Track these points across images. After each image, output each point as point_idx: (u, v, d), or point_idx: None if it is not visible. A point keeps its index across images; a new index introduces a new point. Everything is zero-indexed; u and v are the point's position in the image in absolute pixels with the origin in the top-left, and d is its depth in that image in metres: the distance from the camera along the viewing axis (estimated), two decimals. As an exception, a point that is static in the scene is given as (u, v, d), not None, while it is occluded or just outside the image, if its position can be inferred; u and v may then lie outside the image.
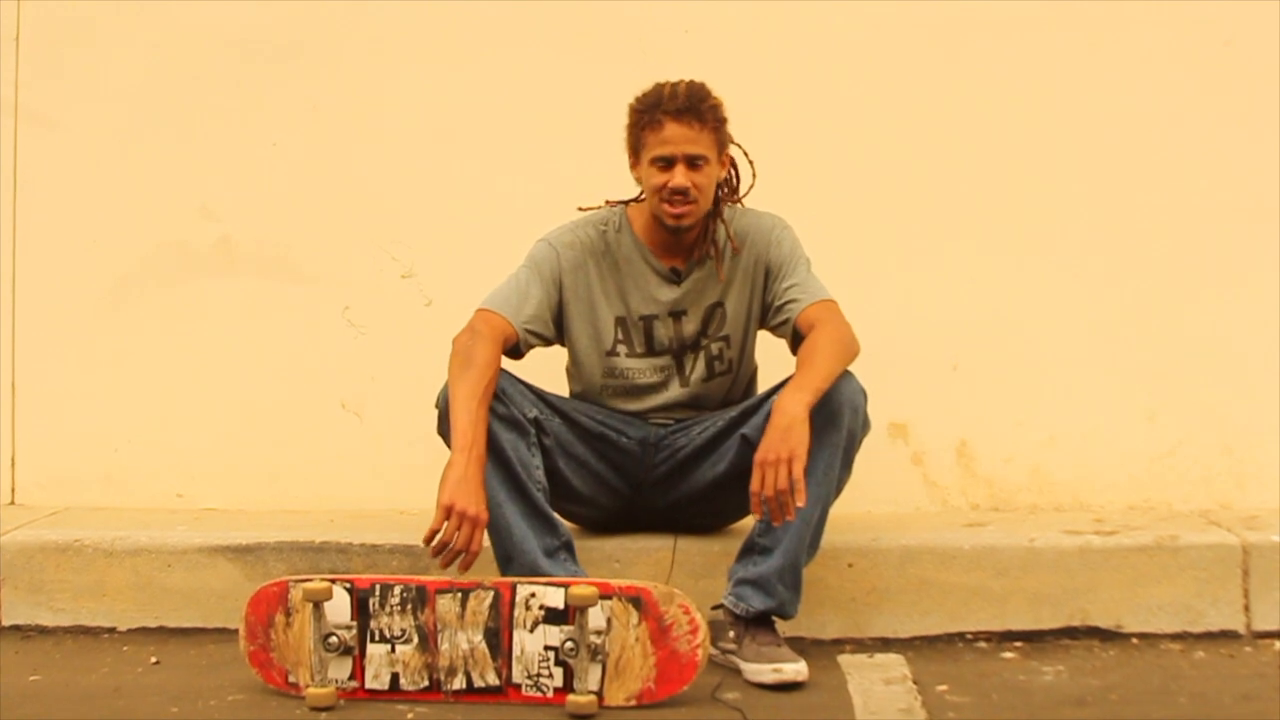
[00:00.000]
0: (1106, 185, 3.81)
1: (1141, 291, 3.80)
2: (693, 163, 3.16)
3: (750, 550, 3.11)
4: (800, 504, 2.91)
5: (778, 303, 3.25)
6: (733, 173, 3.33)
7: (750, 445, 3.13)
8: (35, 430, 3.93)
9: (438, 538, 2.94)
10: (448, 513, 2.93)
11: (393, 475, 3.85)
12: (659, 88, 3.20)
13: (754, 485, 2.92)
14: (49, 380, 3.92)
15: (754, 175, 3.32)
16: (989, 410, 3.82)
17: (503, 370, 3.16)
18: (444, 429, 3.11)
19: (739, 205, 3.34)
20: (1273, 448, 3.75)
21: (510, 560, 3.09)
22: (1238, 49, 3.79)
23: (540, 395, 3.23)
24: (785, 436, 2.91)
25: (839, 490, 3.11)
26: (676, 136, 3.14)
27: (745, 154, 3.32)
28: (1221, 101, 3.79)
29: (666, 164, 3.16)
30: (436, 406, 3.14)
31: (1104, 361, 3.81)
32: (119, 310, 3.92)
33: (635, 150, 3.23)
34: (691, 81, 3.19)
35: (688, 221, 3.20)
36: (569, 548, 3.13)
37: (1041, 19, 3.80)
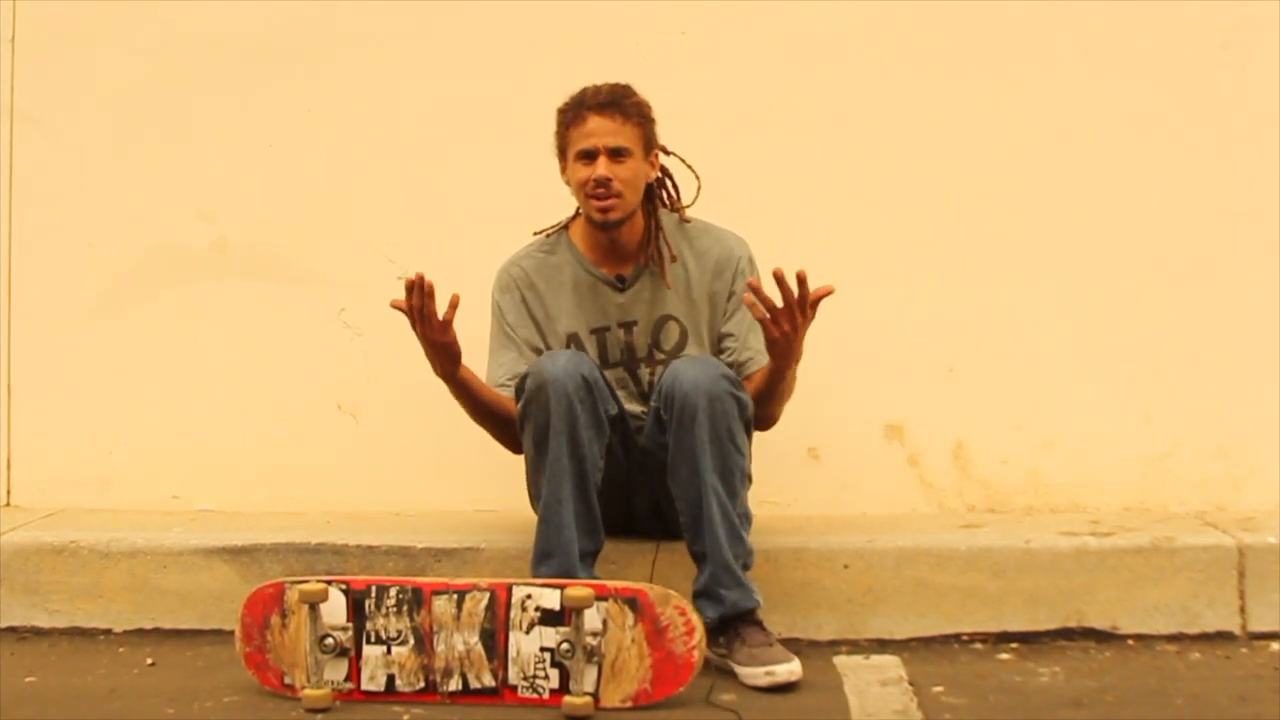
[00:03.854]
0: (1103, 187, 3.80)
1: (1138, 294, 3.80)
2: (615, 155, 3.18)
3: (695, 559, 3.08)
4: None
5: (733, 356, 3.26)
6: (669, 181, 3.34)
7: (659, 422, 3.11)
8: (31, 431, 3.92)
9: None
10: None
11: (389, 477, 3.85)
12: (583, 89, 3.24)
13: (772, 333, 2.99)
14: (45, 382, 3.92)
15: (698, 185, 3.32)
16: (985, 412, 3.81)
17: (592, 361, 3.14)
18: (533, 490, 3.13)
19: (691, 219, 3.33)
20: (1269, 450, 3.75)
21: (549, 557, 3.05)
22: (1235, 51, 3.79)
23: (615, 394, 3.19)
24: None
25: (742, 477, 3.07)
26: (598, 129, 3.18)
27: (685, 163, 3.31)
28: (1218, 104, 3.79)
29: (589, 157, 3.19)
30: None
31: (1100, 364, 3.80)
32: (115, 312, 3.91)
33: (563, 152, 3.26)
34: (616, 82, 3.23)
35: (614, 215, 3.20)
36: (598, 554, 3.12)
37: (1037, 21, 3.80)
